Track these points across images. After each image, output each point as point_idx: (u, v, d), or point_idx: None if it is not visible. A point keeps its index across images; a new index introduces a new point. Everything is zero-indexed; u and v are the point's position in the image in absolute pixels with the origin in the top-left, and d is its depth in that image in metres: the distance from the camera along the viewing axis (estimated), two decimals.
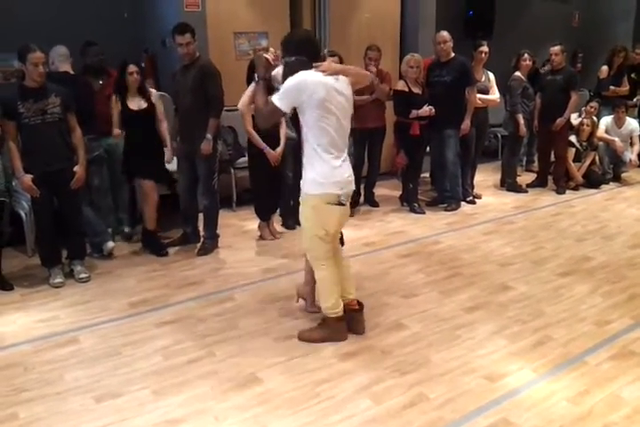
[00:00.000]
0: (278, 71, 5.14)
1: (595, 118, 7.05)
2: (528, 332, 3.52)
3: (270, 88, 3.42)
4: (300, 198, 3.24)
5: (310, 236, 3.28)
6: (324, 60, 3.23)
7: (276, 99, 3.06)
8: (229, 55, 6.13)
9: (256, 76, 3.25)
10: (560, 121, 6.42)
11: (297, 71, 3.07)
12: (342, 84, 3.14)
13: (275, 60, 3.30)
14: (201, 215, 5.02)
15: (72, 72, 4.74)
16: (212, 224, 4.92)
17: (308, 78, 3.04)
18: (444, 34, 5.79)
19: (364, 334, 3.49)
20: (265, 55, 3.28)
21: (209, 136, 4.56)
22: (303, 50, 3.14)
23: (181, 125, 4.77)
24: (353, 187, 3.29)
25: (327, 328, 3.42)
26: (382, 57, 5.84)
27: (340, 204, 3.18)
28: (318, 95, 3.01)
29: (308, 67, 3.10)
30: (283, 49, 3.21)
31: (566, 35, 9.57)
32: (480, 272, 4.45)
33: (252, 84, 3.42)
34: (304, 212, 3.24)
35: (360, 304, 3.54)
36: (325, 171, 3.12)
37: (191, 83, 4.53)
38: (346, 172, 3.21)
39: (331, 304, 3.36)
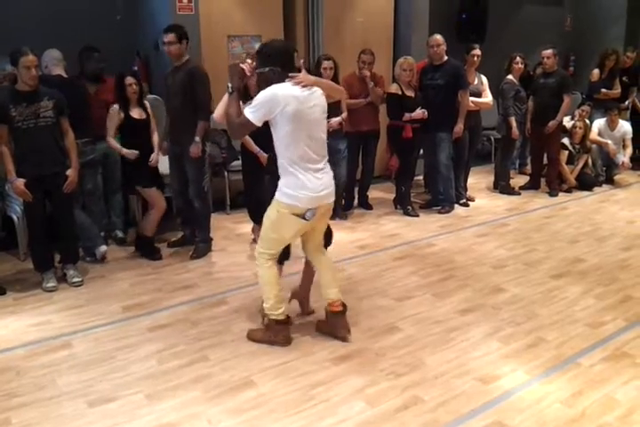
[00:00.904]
0: None
1: (587, 121, 7.08)
2: (521, 334, 3.53)
3: (245, 97, 3.41)
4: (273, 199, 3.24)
5: (264, 235, 3.32)
6: (299, 71, 3.18)
7: (248, 112, 3.05)
8: (223, 58, 6.12)
9: (229, 86, 3.22)
10: (552, 124, 6.44)
11: (271, 82, 3.07)
12: (316, 95, 3.14)
13: (251, 71, 3.24)
14: None
15: (65, 75, 4.73)
16: (204, 227, 4.91)
17: (279, 92, 3.02)
18: (438, 37, 5.81)
19: (356, 337, 3.48)
20: (241, 65, 3.24)
21: (197, 139, 4.55)
22: (277, 60, 3.10)
23: (171, 127, 4.78)
24: (329, 201, 3.25)
25: (268, 330, 3.42)
26: (376, 60, 5.86)
27: (304, 218, 3.15)
28: (290, 108, 3.00)
29: (282, 78, 3.08)
30: (257, 59, 3.17)
31: (559, 38, 9.60)
32: (473, 274, 4.45)
33: (226, 95, 3.38)
34: (269, 211, 3.25)
35: (344, 306, 3.47)
36: (294, 184, 3.11)
37: (179, 85, 4.54)
38: (320, 186, 3.16)
39: (269, 305, 3.34)
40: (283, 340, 3.38)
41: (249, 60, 3.28)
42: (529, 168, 7.36)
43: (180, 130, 4.63)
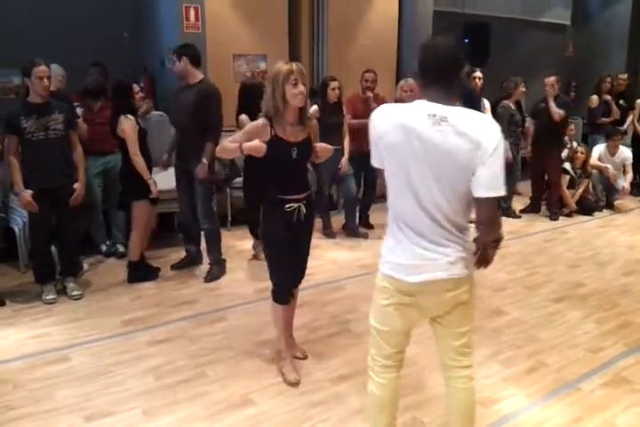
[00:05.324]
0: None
1: (575, 142, 7.11)
2: (522, 357, 3.51)
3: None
4: None
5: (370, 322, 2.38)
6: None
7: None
8: (228, 77, 6.19)
9: None
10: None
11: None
12: (446, 132, 2.00)
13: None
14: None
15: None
16: (215, 248, 4.77)
17: (379, 114, 2.15)
18: None
19: (356, 357, 3.45)
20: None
21: (204, 161, 4.43)
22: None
23: (180, 146, 4.69)
24: (413, 280, 2.15)
25: None
26: (379, 82, 5.92)
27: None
28: (388, 140, 2.10)
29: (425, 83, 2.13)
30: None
31: (560, 64, 9.73)
32: None
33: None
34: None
35: None
36: (388, 242, 2.24)
37: (190, 104, 4.43)
38: (410, 259, 2.16)
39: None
40: None
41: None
42: (518, 188, 7.43)
43: (189, 149, 4.50)
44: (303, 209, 3.10)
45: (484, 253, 2.28)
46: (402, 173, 2.09)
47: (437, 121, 2.00)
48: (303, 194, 3.11)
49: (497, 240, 2.28)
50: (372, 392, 2.37)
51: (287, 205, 3.04)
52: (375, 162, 2.22)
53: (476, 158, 2.01)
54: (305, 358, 3.45)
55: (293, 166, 3.06)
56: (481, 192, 2.05)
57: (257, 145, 2.91)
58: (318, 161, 3.26)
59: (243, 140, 2.96)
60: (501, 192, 2.05)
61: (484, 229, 2.19)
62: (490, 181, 2.04)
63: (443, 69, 2.07)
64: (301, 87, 2.91)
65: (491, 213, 2.14)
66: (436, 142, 2.01)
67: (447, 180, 2.05)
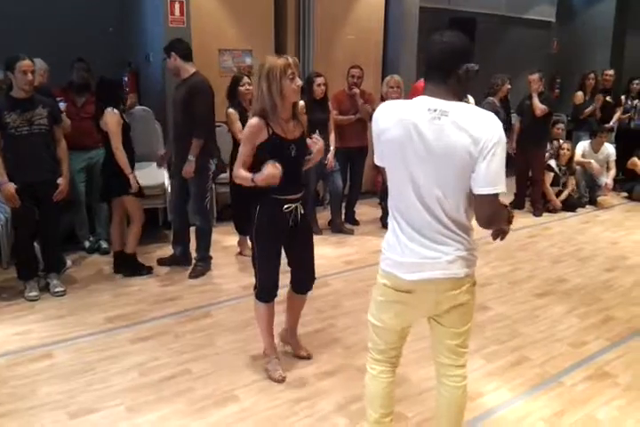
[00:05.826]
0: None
1: (561, 141, 7.17)
2: (505, 352, 3.54)
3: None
4: None
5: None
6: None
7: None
8: (213, 72, 6.14)
9: None
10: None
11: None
12: (446, 127, 1.96)
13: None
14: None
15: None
16: (204, 245, 4.72)
17: (382, 110, 2.13)
18: None
19: (341, 352, 3.48)
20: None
21: (190, 157, 4.36)
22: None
23: (174, 142, 4.62)
24: (411, 278, 2.16)
25: None
26: (365, 78, 5.92)
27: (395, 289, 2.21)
28: (388, 135, 2.07)
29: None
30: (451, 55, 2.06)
31: (545, 61, 9.78)
32: None
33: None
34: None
35: None
36: (388, 238, 2.29)
37: (180, 100, 4.40)
38: (413, 256, 2.15)
39: (367, 416, 2.44)
40: None
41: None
42: None
43: (182, 145, 4.41)
44: (301, 209, 3.04)
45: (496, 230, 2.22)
46: (403, 168, 2.05)
47: (438, 116, 1.97)
48: (300, 193, 3.03)
49: (508, 220, 2.22)
50: (366, 383, 2.40)
51: (285, 206, 2.96)
52: (377, 159, 2.19)
53: (476, 154, 1.94)
54: (309, 357, 3.41)
55: (292, 165, 2.93)
56: (478, 188, 1.99)
57: (271, 174, 2.79)
58: (310, 165, 3.12)
59: (248, 151, 2.88)
60: (500, 189, 1.99)
61: (483, 226, 2.14)
62: (488, 178, 1.96)
63: (443, 63, 2.02)
64: (299, 81, 2.83)
65: (489, 212, 2.06)
66: (436, 137, 1.96)
67: (448, 175, 2.00)
